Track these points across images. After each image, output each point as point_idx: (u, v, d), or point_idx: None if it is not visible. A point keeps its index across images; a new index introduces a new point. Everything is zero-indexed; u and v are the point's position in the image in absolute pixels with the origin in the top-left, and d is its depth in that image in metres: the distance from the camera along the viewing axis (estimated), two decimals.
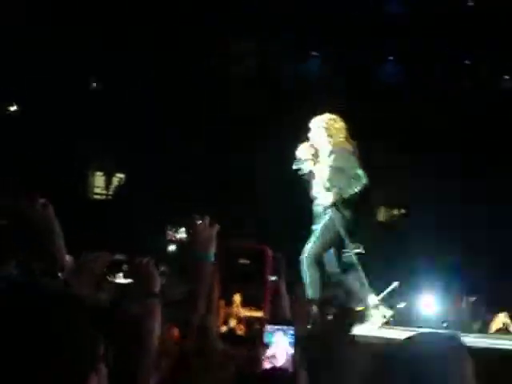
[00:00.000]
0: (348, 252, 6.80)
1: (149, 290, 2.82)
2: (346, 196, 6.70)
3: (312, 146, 6.88)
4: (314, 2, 12.92)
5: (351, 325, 2.77)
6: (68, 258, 2.95)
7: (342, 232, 6.66)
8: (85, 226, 10.69)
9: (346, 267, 6.85)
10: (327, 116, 6.93)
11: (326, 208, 6.74)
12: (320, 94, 12.09)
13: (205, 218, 2.75)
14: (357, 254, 6.80)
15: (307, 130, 6.94)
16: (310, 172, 6.88)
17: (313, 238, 6.79)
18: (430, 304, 11.29)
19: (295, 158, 6.96)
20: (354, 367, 2.60)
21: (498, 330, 8.67)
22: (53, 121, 12.71)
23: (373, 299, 6.69)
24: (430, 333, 2.43)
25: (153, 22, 12.95)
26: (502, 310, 8.97)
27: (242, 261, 2.01)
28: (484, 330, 9.09)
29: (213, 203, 12.38)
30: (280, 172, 13.03)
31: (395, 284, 7.28)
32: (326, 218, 6.74)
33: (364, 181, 6.70)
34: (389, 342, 3.36)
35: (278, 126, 13.04)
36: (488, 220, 12.58)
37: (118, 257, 2.96)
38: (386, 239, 13.09)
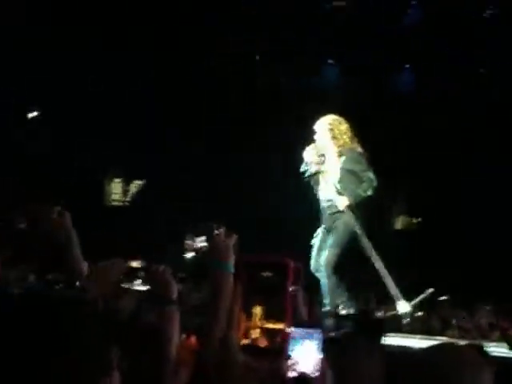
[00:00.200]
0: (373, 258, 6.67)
1: (167, 298, 2.82)
2: (358, 199, 6.69)
3: (318, 147, 6.87)
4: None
5: (381, 334, 2.77)
6: (84, 264, 2.94)
7: (360, 233, 6.62)
8: (101, 233, 10.72)
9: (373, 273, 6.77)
10: (331, 117, 6.93)
11: (338, 211, 6.71)
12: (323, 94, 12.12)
13: (222, 228, 2.74)
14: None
15: (312, 131, 6.93)
16: (317, 173, 6.87)
17: (329, 246, 6.71)
18: None
19: (301, 160, 6.93)
20: (379, 375, 2.61)
21: None
22: (67, 125, 12.77)
23: (405, 306, 6.60)
24: (450, 343, 2.43)
25: (153, 22, 12.92)
26: None
27: (264, 273, 2.00)
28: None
29: (213, 203, 12.41)
30: (279, 172, 13.12)
31: (429, 290, 7.08)
32: (340, 223, 6.71)
33: (375, 183, 6.69)
34: (412, 351, 3.36)
35: (278, 126, 13.05)
36: None
37: (135, 264, 2.95)
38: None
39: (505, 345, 6.79)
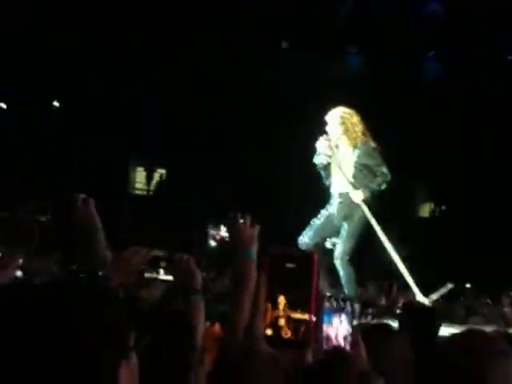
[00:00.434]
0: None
1: (191, 287, 2.81)
2: (373, 193, 6.74)
3: (330, 139, 6.83)
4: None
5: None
6: (108, 253, 2.94)
7: (376, 226, 6.68)
8: (125, 222, 10.77)
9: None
10: (342, 109, 6.90)
11: (353, 204, 6.74)
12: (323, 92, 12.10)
13: (246, 217, 2.74)
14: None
15: (324, 123, 6.91)
16: (328, 165, 6.87)
17: (345, 238, 6.80)
18: None
19: (314, 152, 6.91)
20: (408, 360, 2.62)
21: None
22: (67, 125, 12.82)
23: (423, 300, 6.63)
24: (478, 330, 2.42)
25: (153, 22, 12.91)
26: None
27: (289, 265, 1.99)
28: None
29: (213, 203, 12.40)
30: (279, 171, 13.13)
31: (449, 285, 7.14)
32: (356, 216, 6.75)
33: (389, 178, 6.73)
34: (438, 339, 3.36)
35: (278, 126, 13.06)
36: None
37: (157, 253, 2.94)
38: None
39: None
